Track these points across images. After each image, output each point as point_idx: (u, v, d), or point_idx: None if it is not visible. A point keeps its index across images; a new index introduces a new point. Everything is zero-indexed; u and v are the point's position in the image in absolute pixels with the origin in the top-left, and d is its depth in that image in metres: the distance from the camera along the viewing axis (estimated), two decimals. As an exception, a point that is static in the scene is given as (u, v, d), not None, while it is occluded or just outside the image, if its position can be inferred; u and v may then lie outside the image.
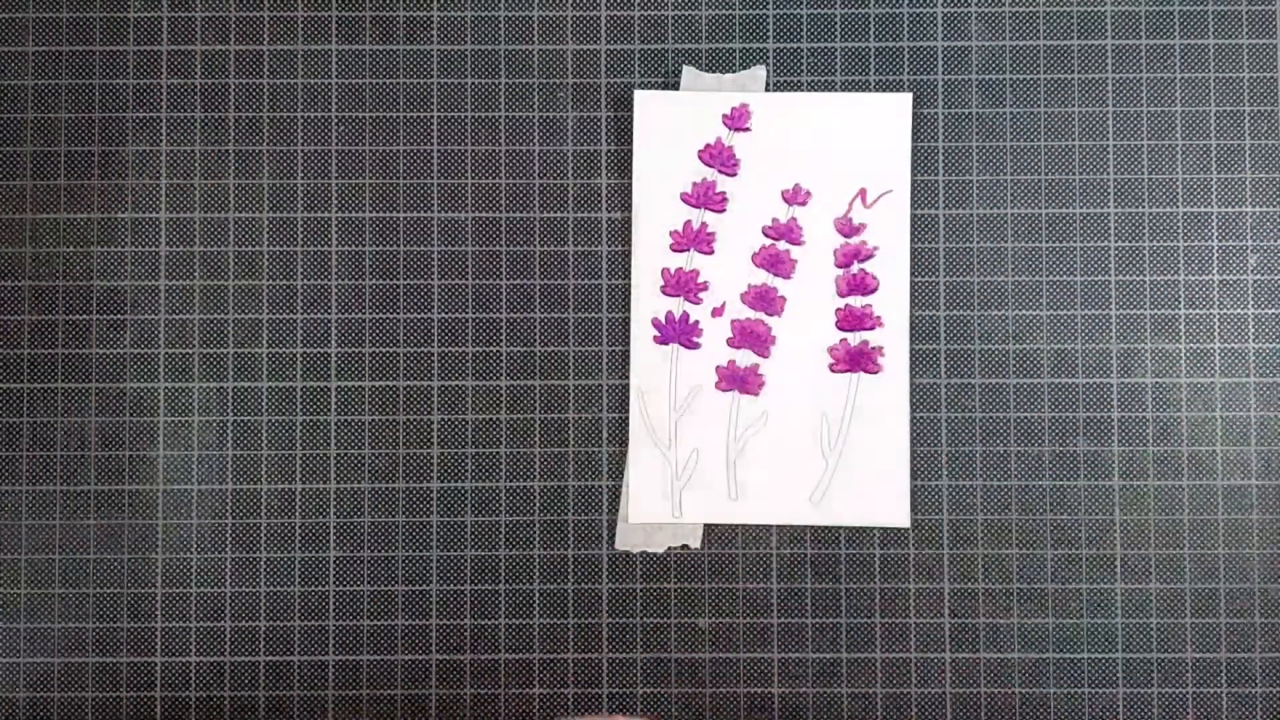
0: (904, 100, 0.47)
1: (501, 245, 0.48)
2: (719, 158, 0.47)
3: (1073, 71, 0.48)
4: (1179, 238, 0.47)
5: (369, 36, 0.48)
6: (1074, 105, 0.48)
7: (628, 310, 0.47)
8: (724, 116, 0.47)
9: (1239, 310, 0.47)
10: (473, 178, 0.48)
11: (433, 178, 0.48)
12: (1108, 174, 0.48)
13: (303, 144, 0.48)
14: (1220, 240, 0.47)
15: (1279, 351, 0.47)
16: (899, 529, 0.47)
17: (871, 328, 0.47)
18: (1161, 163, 0.48)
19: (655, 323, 0.47)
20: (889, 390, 0.47)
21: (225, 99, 0.48)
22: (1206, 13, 0.48)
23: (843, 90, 0.48)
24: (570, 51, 0.48)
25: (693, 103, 0.47)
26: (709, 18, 0.48)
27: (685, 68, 0.48)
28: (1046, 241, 0.47)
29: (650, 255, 0.47)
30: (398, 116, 0.48)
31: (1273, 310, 0.47)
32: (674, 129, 0.47)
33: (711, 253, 0.47)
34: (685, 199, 0.47)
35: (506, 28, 0.48)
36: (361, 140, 0.48)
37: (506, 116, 0.48)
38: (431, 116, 0.48)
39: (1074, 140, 0.48)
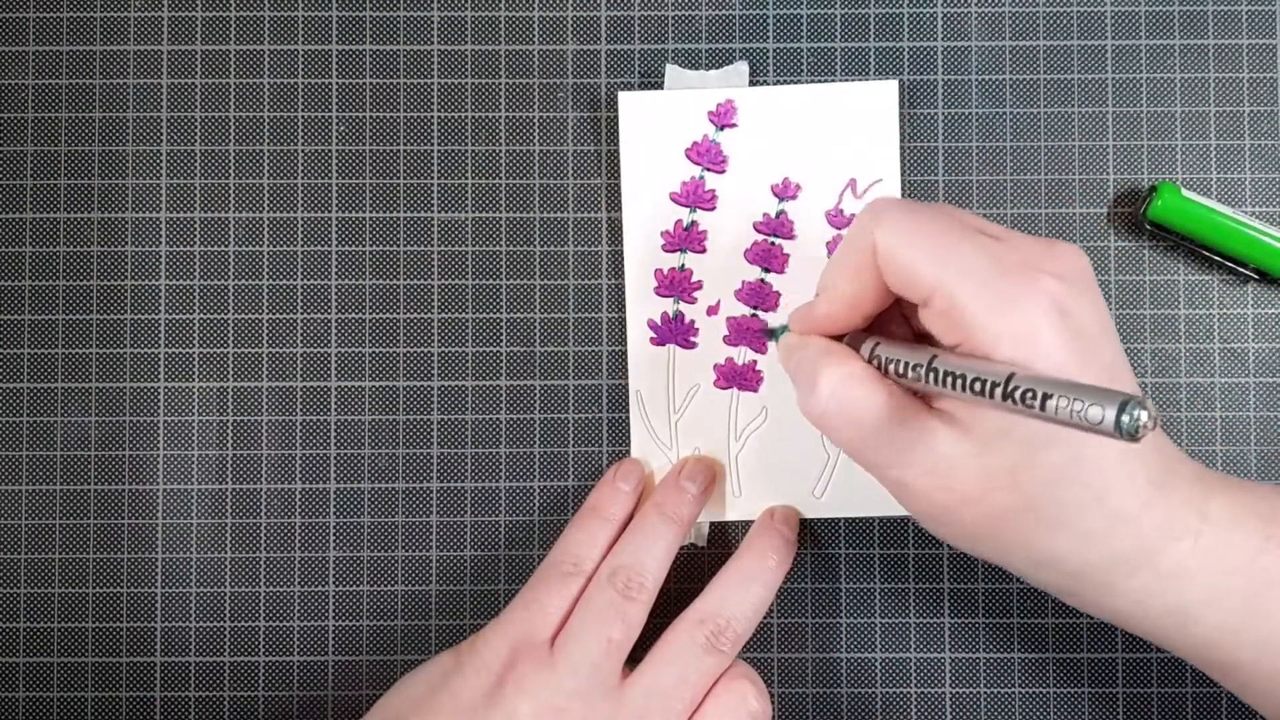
0: (890, 87, 0.47)
1: (501, 245, 0.48)
2: (706, 155, 0.47)
3: (1073, 72, 0.48)
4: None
5: (369, 36, 0.48)
6: (1074, 105, 0.48)
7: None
8: (709, 114, 0.47)
9: (1239, 310, 0.47)
10: (473, 178, 0.48)
11: (433, 178, 0.48)
12: (1108, 174, 0.48)
13: (303, 144, 0.48)
14: (1220, 240, 0.47)
15: (1279, 351, 0.47)
16: (900, 524, 0.47)
17: None
18: (1161, 163, 0.48)
19: (651, 324, 0.47)
20: None
21: (225, 99, 0.48)
22: (1206, 13, 0.48)
23: (843, 90, 0.48)
24: (570, 51, 0.48)
25: (677, 101, 0.47)
26: (709, 18, 0.48)
27: (669, 66, 0.47)
28: (1046, 241, 0.47)
29: (642, 257, 0.47)
30: (398, 116, 0.48)
31: (1273, 310, 0.47)
32: (660, 129, 0.47)
33: (704, 251, 0.47)
34: (675, 199, 0.47)
35: (506, 28, 0.48)
36: (361, 140, 0.48)
37: (506, 116, 0.48)
38: (431, 116, 0.48)
39: (1074, 140, 0.48)
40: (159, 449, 0.48)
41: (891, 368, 0.36)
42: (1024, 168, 0.48)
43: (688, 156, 0.47)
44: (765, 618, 0.47)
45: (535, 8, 0.48)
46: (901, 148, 0.47)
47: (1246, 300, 0.47)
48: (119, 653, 0.47)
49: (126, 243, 0.48)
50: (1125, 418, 0.28)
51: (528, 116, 0.48)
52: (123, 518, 0.47)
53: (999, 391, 0.32)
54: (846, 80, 0.48)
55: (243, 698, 0.47)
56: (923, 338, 0.38)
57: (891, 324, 0.40)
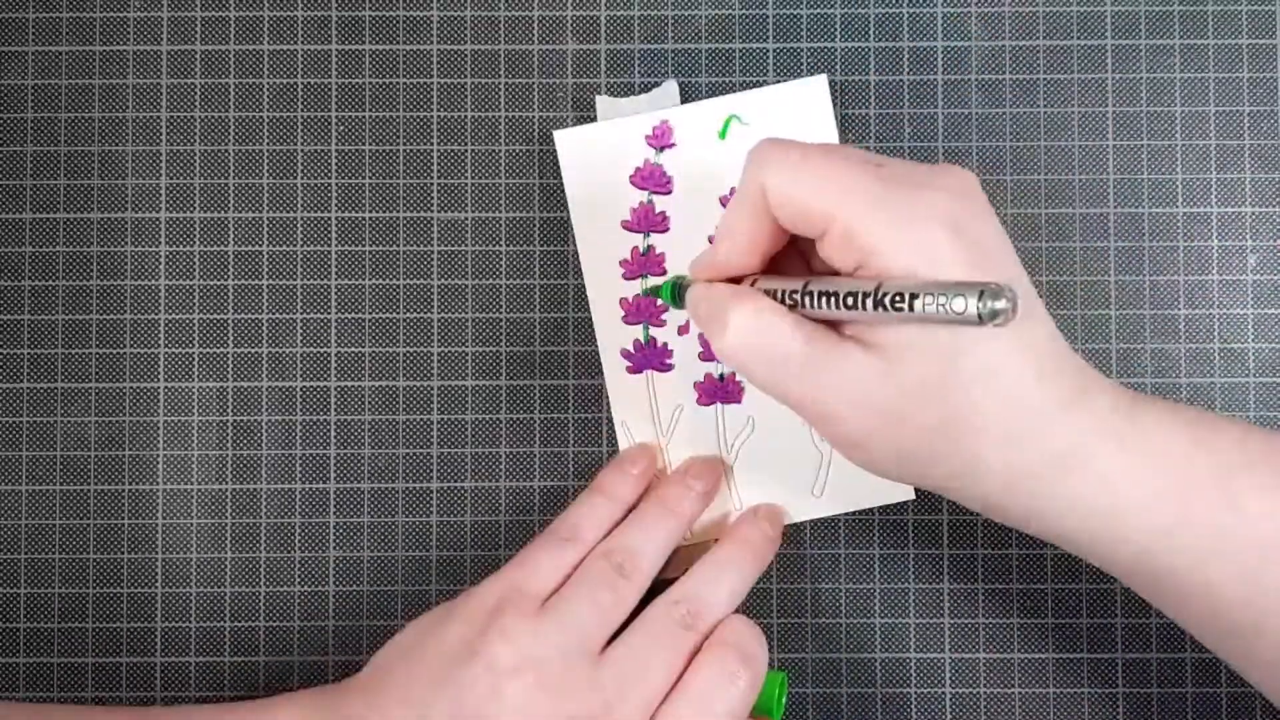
0: (820, 82, 0.46)
1: (501, 245, 0.48)
2: (651, 179, 0.47)
3: (1073, 72, 0.48)
4: (1179, 238, 0.47)
5: (368, 36, 0.48)
6: (1074, 105, 0.48)
7: (628, 310, 0.47)
8: (647, 138, 0.47)
9: (1239, 310, 0.47)
10: (473, 178, 0.48)
11: (432, 178, 0.48)
12: (1107, 174, 0.48)
13: (302, 144, 0.48)
14: (1220, 240, 0.47)
15: (1278, 351, 0.47)
16: (900, 524, 0.47)
17: None
18: (1161, 163, 0.48)
19: (624, 353, 0.47)
20: None
21: (225, 99, 0.48)
22: (1206, 13, 0.48)
23: (843, 88, 0.48)
24: (570, 51, 0.48)
25: (613, 131, 0.47)
26: (709, 17, 0.48)
27: (599, 98, 0.47)
28: (1046, 242, 0.47)
29: (605, 288, 0.47)
30: (397, 116, 0.48)
31: (1273, 310, 0.47)
32: (601, 160, 0.47)
33: (664, 273, 0.47)
34: (627, 226, 0.47)
35: (506, 27, 0.48)
36: (361, 140, 0.48)
37: (506, 116, 0.48)
38: (431, 116, 0.48)
39: (1073, 140, 0.48)
40: (159, 449, 0.48)
41: (779, 299, 0.37)
42: (1024, 168, 0.48)
43: (633, 183, 0.47)
44: (765, 617, 0.47)
45: (535, 7, 0.48)
46: (901, 148, 0.47)
47: (1247, 300, 0.47)
48: (119, 653, 0.47)
49: (126, 243, 0.48)
50: (986, 302, 0.31)
51: (527, 116, 0.48)
52: (123, 518, 0.48)
53: (869, 301, 0.34)
54: (848, 79, 0.48)
55: (243, 698, 0.47)
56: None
57: (789, 266, 0.40)
